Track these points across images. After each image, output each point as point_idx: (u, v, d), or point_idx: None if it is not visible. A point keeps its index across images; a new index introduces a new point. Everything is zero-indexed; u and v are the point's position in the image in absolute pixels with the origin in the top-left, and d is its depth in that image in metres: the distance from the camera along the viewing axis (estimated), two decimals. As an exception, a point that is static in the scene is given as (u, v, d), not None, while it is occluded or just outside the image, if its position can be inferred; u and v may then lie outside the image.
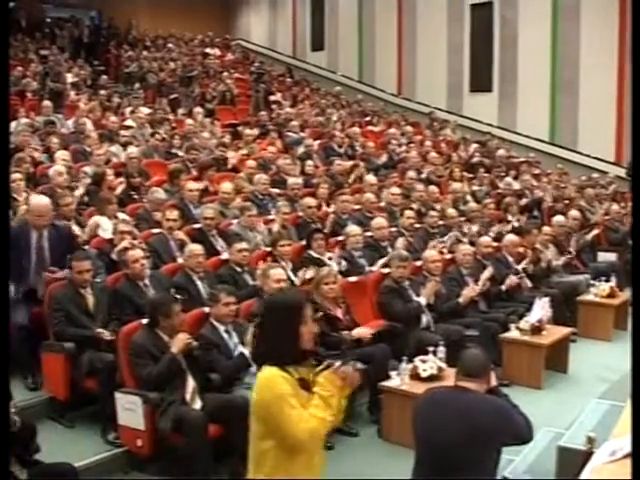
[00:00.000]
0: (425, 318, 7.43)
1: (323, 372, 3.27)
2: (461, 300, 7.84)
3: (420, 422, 4.11)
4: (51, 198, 7.34)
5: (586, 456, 3.72)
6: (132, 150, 10.68)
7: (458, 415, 3.91)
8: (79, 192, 9.01)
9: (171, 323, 5.59)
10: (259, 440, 3.28)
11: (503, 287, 8.48)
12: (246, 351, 5.64)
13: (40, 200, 6.97)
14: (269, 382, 3.20)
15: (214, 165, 10.88)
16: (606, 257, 10.86)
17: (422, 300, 7.45)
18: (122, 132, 12.45)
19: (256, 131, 14.18)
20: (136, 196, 9.34)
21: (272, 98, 18.88)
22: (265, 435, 3.25)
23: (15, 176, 8.49)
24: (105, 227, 7.90)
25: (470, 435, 3.84)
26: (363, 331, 6.63)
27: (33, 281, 6.69)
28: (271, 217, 9.16)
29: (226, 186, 9.45)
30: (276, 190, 10.34)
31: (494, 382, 4.24)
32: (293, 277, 7.45)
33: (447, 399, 4.09)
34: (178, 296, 6.06)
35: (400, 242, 8.84)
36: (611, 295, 9.06)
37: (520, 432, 4.02)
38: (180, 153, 11.80)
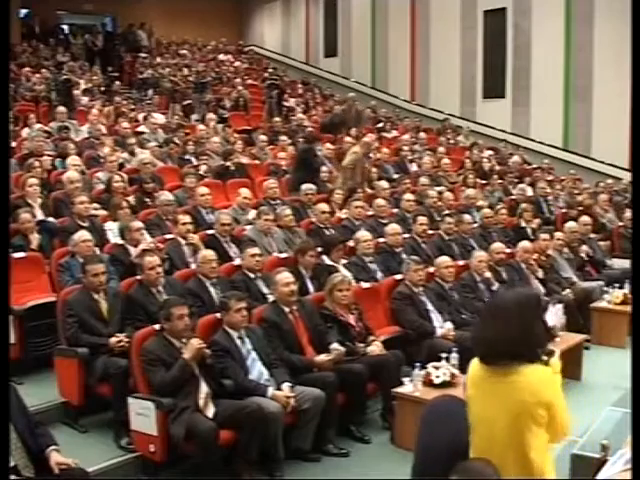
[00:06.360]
0: (440, 330, 7.34)
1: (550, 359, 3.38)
2: None
3: (425, 434, 4.01)
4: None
5: (600, 464, 3.71)
6: (145, 156, 10.70)
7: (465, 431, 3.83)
8: None
9: (172, 327, 5.57)
10: (530, 435, 3.28)
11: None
12: (270, 389, 5.67)
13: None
14: (548, 381, 3.28)
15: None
16: (620, 264, 10.79)
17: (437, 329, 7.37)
18: (134, 139, 12.48)
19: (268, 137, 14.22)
20: (149, 202, 9.36)
21: (285, 104, 18.91)
22: (538, 430, 3.27)
23: (31, 181, 8.55)
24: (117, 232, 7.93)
25: None
26: (377, 350, 6.58)
27: None
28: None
29: (244, 191, 9.44)
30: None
31: None
32: (310, 285, 7.44)
33: (454, 412, 4.02)
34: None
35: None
36: (625, 302, 8.98)
37: None
38: (193, 160, 11.83)
